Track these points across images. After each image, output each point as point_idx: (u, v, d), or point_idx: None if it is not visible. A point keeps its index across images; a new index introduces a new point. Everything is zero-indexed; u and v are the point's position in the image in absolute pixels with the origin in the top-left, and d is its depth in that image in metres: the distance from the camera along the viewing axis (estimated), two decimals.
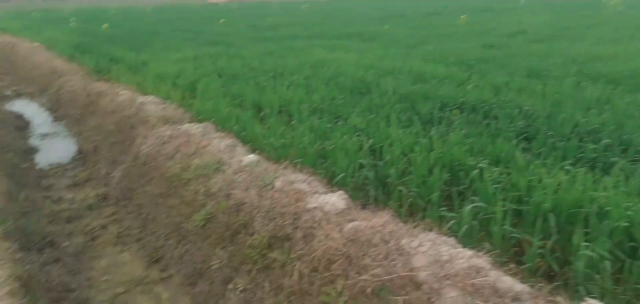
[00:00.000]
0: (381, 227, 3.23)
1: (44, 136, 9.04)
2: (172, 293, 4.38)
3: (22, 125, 9.79)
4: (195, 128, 5.96)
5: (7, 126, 9.29)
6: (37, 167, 7.50)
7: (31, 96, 12.24)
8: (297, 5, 38.55)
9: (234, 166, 4.76)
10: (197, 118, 6.56)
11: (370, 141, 4.82)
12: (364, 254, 3.07)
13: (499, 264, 2.91)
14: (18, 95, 12.67)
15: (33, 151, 8.23)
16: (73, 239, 5.30)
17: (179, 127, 6.12)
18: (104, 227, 5.57)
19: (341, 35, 16.29)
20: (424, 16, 24.21)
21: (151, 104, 7.06)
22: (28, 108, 11.13)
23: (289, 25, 21.36)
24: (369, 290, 2.90)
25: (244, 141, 5.54)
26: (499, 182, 3.73)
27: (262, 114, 6.50)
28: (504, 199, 3.48)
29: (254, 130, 5.68)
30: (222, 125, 6.07)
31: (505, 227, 3.27)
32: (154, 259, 4.88)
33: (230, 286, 3.92)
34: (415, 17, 23.93)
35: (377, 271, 2.93)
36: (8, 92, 12.99)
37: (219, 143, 5.35)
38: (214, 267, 4.17)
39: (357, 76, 8.16)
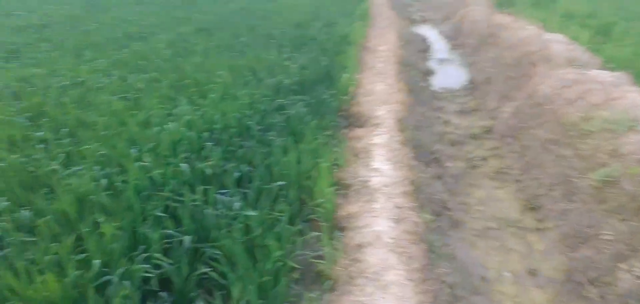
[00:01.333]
0: None
1: (441, 61, 9.69)
2: (546, 246, 4.04)
3: (424, 48, 10.75)
4: (605, 76, 5.19)
5: (413, 46, 10.35)
6: (432, 88, 8.11)
7: (435, 23, 13.26)
8: None
9: None
10: (608, 66, 5.68)
11: None
12: None
13: None
14: (424, 20, 13.94)
15: (430, 72, 8.93)
16: (455, 162, 5.52)
17: (585, 72, 5.44)
18: (484, 159, 5.60)
19: None
20: None
21: (556, 43, 6.51)
22: (431, 33, 12.11)
23: None
24: None
25: None
26: None
27: None
28: None
29: None
30: None
31: None
32: (531, 206, 4.61)
33: (623, 265, 3.30)
34: None
35: None
36: (416, 17, 14.45)
37: (637, 98, 4.48)
38: (604, 237, 3.60)
39: None
